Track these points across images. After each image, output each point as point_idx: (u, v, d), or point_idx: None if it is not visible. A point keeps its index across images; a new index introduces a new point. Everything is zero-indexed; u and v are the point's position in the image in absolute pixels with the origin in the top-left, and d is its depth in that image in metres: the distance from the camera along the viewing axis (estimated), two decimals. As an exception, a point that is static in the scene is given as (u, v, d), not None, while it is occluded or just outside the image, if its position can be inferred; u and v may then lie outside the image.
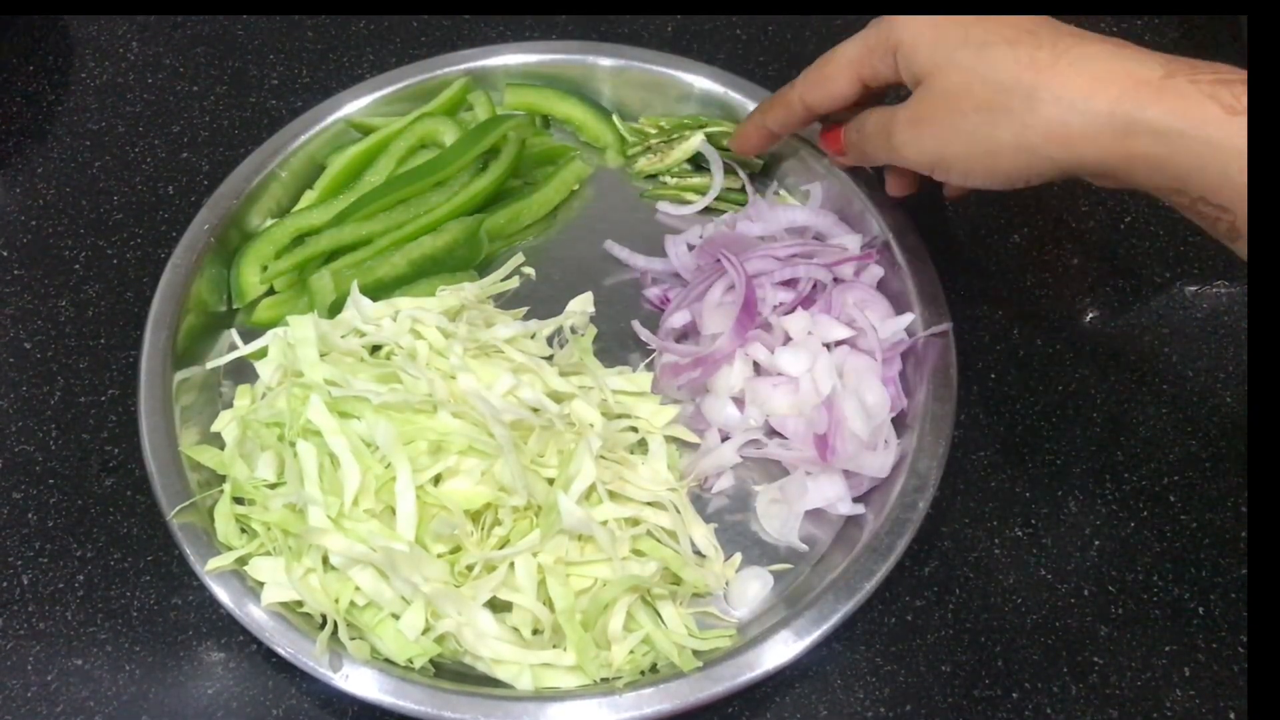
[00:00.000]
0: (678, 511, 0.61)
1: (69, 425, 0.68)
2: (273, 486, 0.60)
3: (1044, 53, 0.53)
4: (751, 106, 0.77)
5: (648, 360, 0.69)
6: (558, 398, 0.63)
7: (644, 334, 0.69)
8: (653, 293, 0.72)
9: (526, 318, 0.70)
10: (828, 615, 0.56)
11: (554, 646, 0.57)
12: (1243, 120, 0.49)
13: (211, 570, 0.57)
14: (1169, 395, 0.71)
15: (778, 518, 0.63)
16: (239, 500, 0.60)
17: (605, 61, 0.79)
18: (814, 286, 0.68)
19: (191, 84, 0.86)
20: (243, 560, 0.58)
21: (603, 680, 0.56)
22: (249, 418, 0.61)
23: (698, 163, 0.78)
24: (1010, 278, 0.76)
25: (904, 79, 0.60)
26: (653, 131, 0.78)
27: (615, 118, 0.80)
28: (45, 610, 0.62)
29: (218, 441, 0.64)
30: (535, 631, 0.58)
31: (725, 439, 0.65)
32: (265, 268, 0.72)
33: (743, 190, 0.77)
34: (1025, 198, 0.80)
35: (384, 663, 0.55)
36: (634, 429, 0.65)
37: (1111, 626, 0.62)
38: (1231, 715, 0.59)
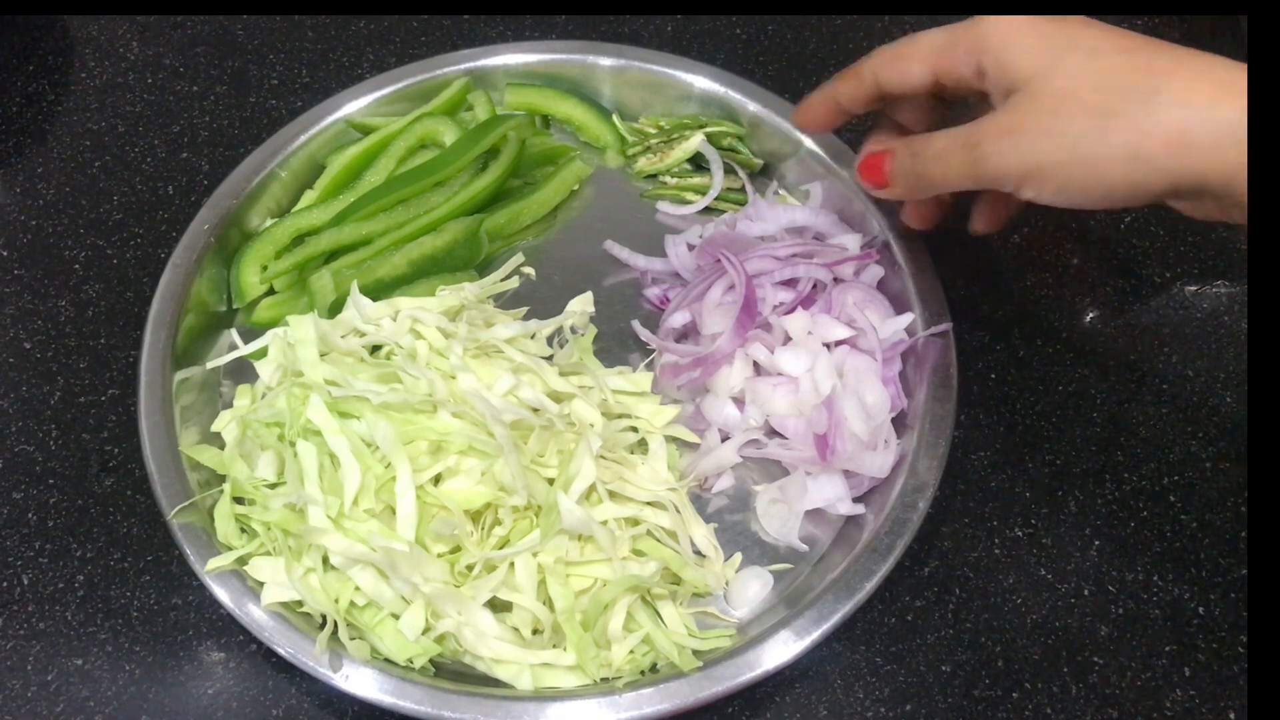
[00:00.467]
0: (678, 511, 0.61)
1: (69, 425, 0.68)
2: (273, 486, 0.60)
3: (1162, 59, 0.50)
4: (752, 107, 0.77)
5: (648, 360, 0.69)
6: (558, 398, 0.63)
7: (644, 334, 0.69)
8: (653, 293, 0.72)
9: (526, 318, 0.70)
10: (828, 615, 0.56)
11: (554, 646, 0.57)
12: None
13: (211, 570, 0.57)
14: (1169, 395, 0.71)
15: (778, 518, 0.63)
16: (239, 500, 0.60)
17: (605, 61, 0.79)
18: (814, 286, 0.68)
19: (191, 84, 0.86)
20: (243, 560, 0.58)
21: (603, 680, 0.56)
22: (249, 418, 0.61)
23: (698, 163, 0.78)
24: (1010, 278, 0.76)
25: (987, 87, 0.55)
26: (653, 131, 0.78)
27: (615, 118, 0.80)
28: (45, 610, 0.62)
29: (218, 441, 0.64)
30: (535, 631, 0.58)
31: (725, 439, 0.65)
32: (265, 268, 0.72)
33: (743, 190, 0.77)
34: (1025, 198, 0.80)
35: (384, 663, 0.55)
36: (634, 429, 0.65)
37: (1111, 626, 0.62)
38: (1231, 715, 0.59)
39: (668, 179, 0.78)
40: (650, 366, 0.68)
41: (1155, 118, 0.49)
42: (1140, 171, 0.50)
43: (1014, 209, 0.65)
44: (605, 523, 0.59)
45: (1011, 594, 0.63)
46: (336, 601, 0.56)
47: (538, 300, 0.71)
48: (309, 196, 0.76)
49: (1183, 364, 0.72)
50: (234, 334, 0.69)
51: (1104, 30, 0.53)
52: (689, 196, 0.77)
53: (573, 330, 0.69)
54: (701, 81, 0.78)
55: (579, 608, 0.57)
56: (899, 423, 0.65)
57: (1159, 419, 0.69)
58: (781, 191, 0.77)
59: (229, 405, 0.66)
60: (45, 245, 0.77)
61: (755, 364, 0.66)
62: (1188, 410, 0.70)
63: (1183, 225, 0.79)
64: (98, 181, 0.80)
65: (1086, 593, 0.63)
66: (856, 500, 0.63)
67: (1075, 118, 0.51)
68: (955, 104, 0.62)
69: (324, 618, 0.56)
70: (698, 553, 0.62)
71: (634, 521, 0.60)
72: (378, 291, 0.69)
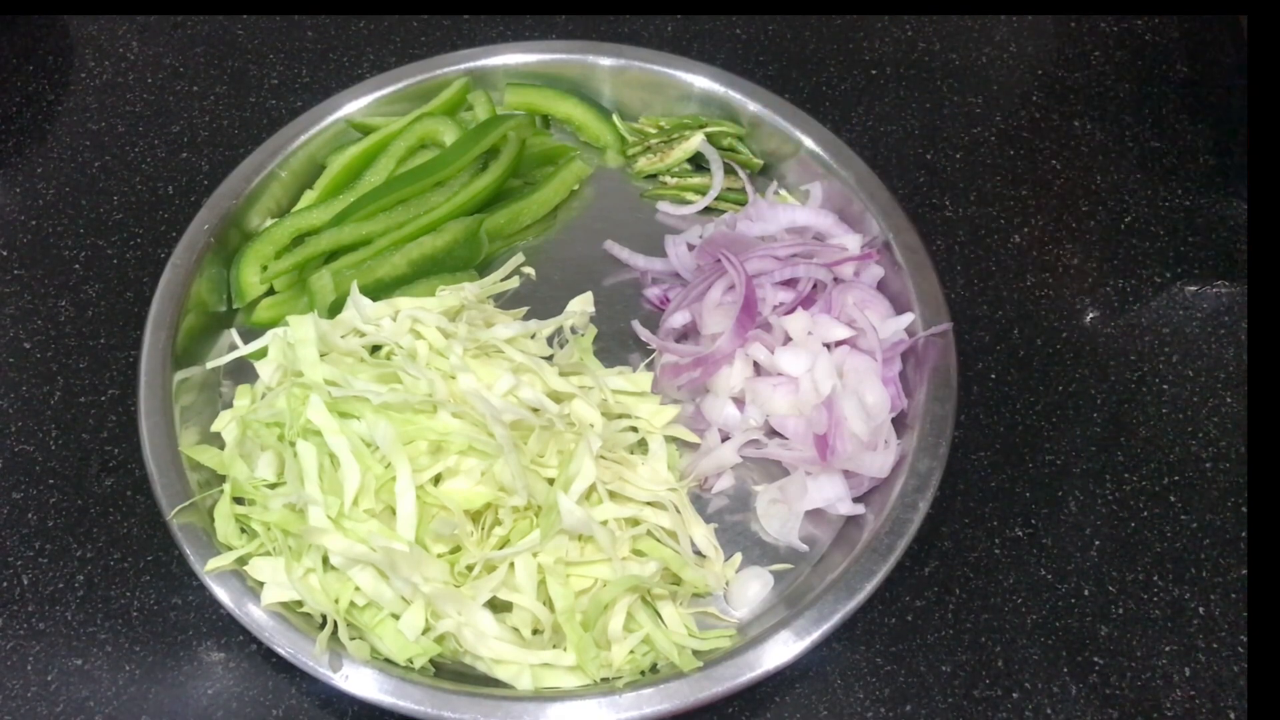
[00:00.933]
0: (678, 511, 0.61)
1: (69, 425, 0.68)
2: (273, 486, 0.60)
3: None
4: (752, 106, 0.77)
5: (648, 360, 0.69)
6: (558, 398, 0.63)
7: (644, 334, 0.69)
8: (653, 293, 0.72)
9: (526, 318, 0.70)
10: (828, 615, 0.56)
11: (554, 646, 0.57)
12: None
13: (211, 570, 0.57)
14: (1169, 395, 0.71)
15: (778, 518, 0.63)
16: (239, 500, 0.60)
17: (605, 61, 0.79)
18: (814, 286, 0.68)
19: (191, 84, 0.86)
20: (243, 560, 0.58)
21: (603, 680, 0.56)
22: (249, 418, 0.61)
23: (698, 163, 0.78)
24: (1010, 278, 0.76)
25: None
26: (653, 131, 0.78)
27: (615, 118, 0.80)
28: (45, 610, 0.62)
29: (218, 441, 0.64)
30: (535, 631, 0.58)
31: (725, 439, 0.65)
32: (265, 268, 0.72)
33: (743, 190, 0.77)
34: (1025, 198, 0.80)
35: (384, 663, 0.55)
36: (634, 429, 0.65)
37: (1111, 626, 0.62)
38: (1231, 715, 0.59)
39: (668, 179, 0.78)
40: (650, 366, 0.68)
41: None
42: None
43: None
44: (605, 523, 0.59)
45: (1011, 594, 0.63)
46: (336, 601, 0.56)
47: (538, 300, 0.71)
48: (309, 196, 0.76)
49: (1183, 364, 0.72)
50: (234, 334, 0.69)
51: None
52: (689, 196, 0.77)
53: (573, 330, 0.69)
54: (701, 81, 0.78)
55: (579, 608, 0.57)
56: (899, 423, 0.65)
57: (1159, 419, 0.69)
58: (781, 191, 0.77)
59: (229, 405, 0.66)
60: (45, 245, 0.77)
61: (755, 364, 0.66)
62: (1188, 410, 0.70)
63: (1183, 225, 0.79)
64: (98, 181, 0.80)
65: (1086, 593, 0.63)
66: (856, 500, 0.63)
67: None
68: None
69: (324, 618, 0.56)
70: (698, 553, 0.61)
71: (634, 521, 0.60)
72: (378, 291, 0.69)
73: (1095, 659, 0.61)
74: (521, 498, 0.57)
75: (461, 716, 0.53)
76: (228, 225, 0.71)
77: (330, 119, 0.76)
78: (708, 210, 0.77)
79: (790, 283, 0.69)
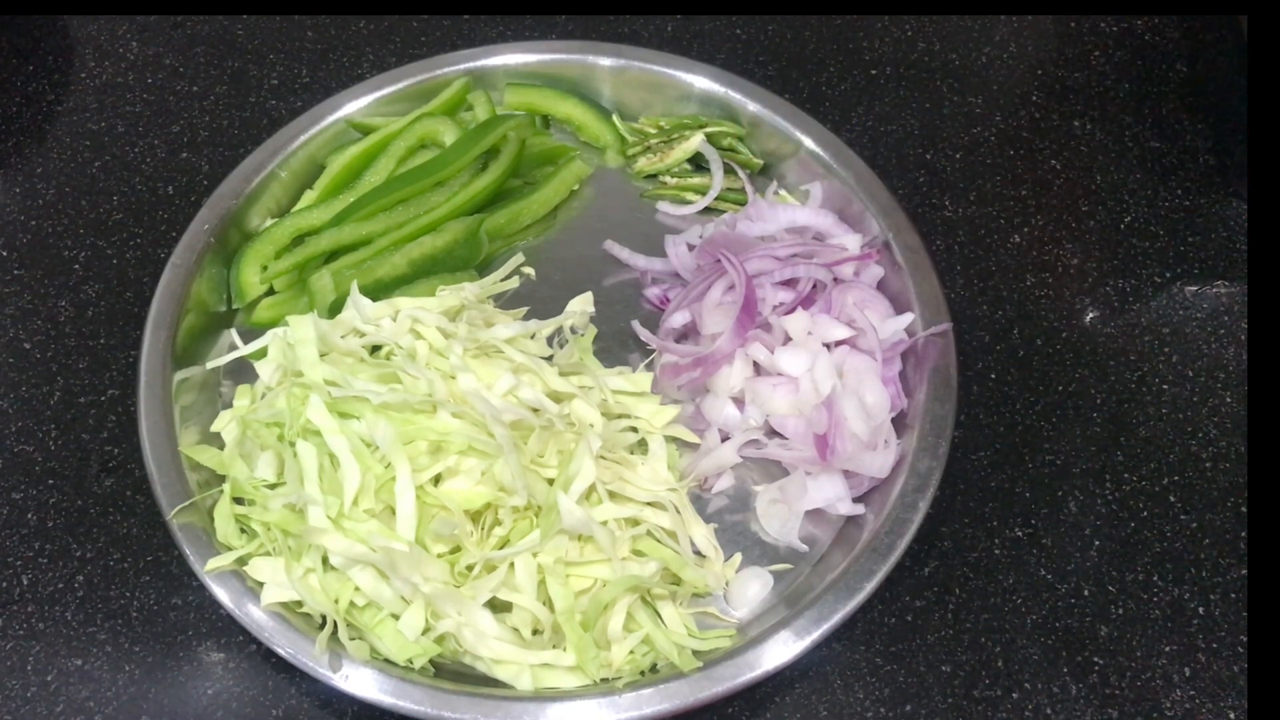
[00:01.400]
0: (678, 511, 0.61)
1: (69, 425, 0.68)
2: (272, 486, 0.60)
3: None
4: (752, 107, 0.77)
5: (648, 360, 0.69)
6: (558, 398, 0.63)
7: (644, 334, 0.69)
8: (653, 293, 0.72)
9: (526, 318, 0.70)
10: (828, 615, 0.56)
11: (554, 647, 0.57)
12: None
13: (211, 570, 0.57)
14: (1169, 395, 0.71)
15: (778, 518, 0.63)
16: (239, 500, 0.60)
17: (605, 61, 0.79)
18: (814, 286, 0.68)
19: (191, 84, 0.86)
20: (242, 560, 0.58)
21: (603, 680, 0.56)
22: (249, 418, 0.61)
23: (698, 163, 0.78)
24: (1010, 278, 0.76)
25: None
26: (653, 131, 0.78)
27: (615, 118, 0.80)
28: (45, 610, 0.62)
29: (218, 441, 0.64)
30: (535, 632, 0.58)
31: (725, 439, 0.65)
32: (265, 268, 0.71)
33: (743, 190, 0.77)
34: (1025, 198, 0.80)
35: (384, 663, 0.55)
36: (634, 429, 0.65)
37: (1111, 626, 0.62)
38: (1231, 715, 0.59)
39: (668, 179, 0.78)
40: (650, 366, 0.68)
41: None
42: None
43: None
44: (605, 523, 0.59)
45: (1011, 594, 0.63)
46: (336, 602, 0.56)
47: (538, 300, 0.71)
48: (309, 196, 0.76)
49: (1183, 364, 0.72)
50: (234, 334, 0.69)
51: None
52: (689, 196, 0.77)
53: (573, 330, 0.69)
54: (701, 81, 0.78)
55: (579, 608, 0.57)
56: (899, 423, 0.65)
57: (1159, 419, 0.69)
58: (781, 191, 0.77)
59: (229, 405, 0.66)
60: (45, 245, 0.77)
61: (755, 364, 0.66)
62: (1188, 410, 0.70)
63: (1183, 225, 0.79)
64: (98, 181, 0.80)
65: (1086, 593, 0.63)
66: (856, 500, 0.63)
67: None
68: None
69: (324, 618, 0.56)
70: (698, 553, 0.61)
71: (634, 522, 0.60)
72: (378, 291, 0.69)
73: (1095, 659, 0.61)
74: (521, 498, 0.57)
75: (461, 716, 0.53)
76: (228, 225, 0.71)
77: (330, 119, 0.76)
78: (708, 210, 0.77)
79: (790, 283, 0.69)
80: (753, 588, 0.61)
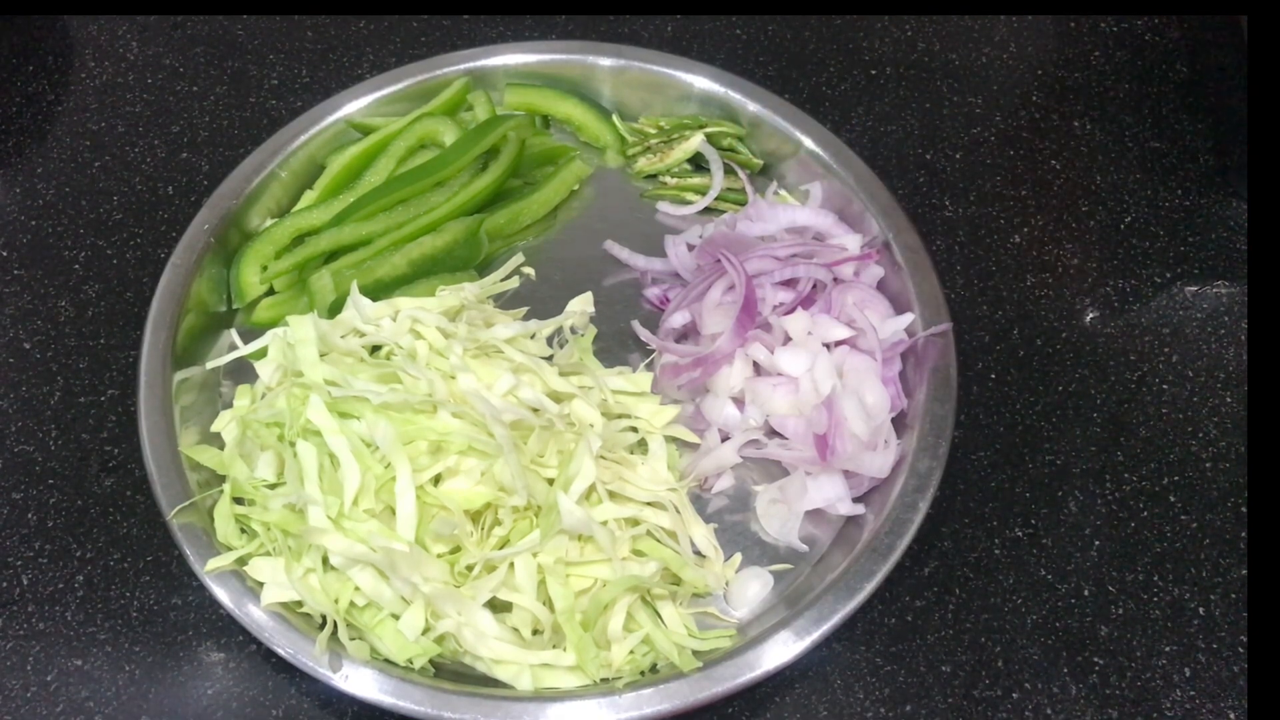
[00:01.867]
0: (678, 511, 0.61)
1: (69, 425, 0.68)
2: (272, 486, 0.60)
3: None
4: (752, 107, 0.77)
5: (648, 360, 0.69)
6: (558, 398, 0.63)
7: (644, 334, 0.69)
8: (653, 293, 0.72)
9: (526, 318, 0.70)
10: (828, 615, 0.56)
11: (554, 646, 0.57)
12: None
13: (211, 570, 0.57)
14: (1169, 395, 0.71)
15: (778, 518, 0.63)
16: (239, 500, 0.60)
17: (605, 61, 0.79)
18: (814, 286, 0.68)
19: (191, 84, 0.86)
20: (242, 560, 0.58)
21: (603, 680, 0.56)
22: (249, 418, 0.61)
23: (698, 163, 0.78)
24: (1010, 278, 0.76)
25: None
26: (653, 131, 0.78)
27: (615, 118, 0.80)
28: (45, 610, 0.62)
29: (218, 441, 0.64)
30: (535, 631, 0.58)
31: (725, 439, 0.65)
32: (265, 268, 0.72)
33: (743, 190, 0.77)
34: (1025, 198, 0.80)
35: (384, 663, 0.55)
36: (634, 429, 0.65)
37: (1111, 626, 0.62)
38: (1231, 715, 0.59)
39: (668, 179, 0.78)
40: (650, 366, 0.68)
41: None
42: None
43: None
44: (605, 523, 0.59)
45: (1011, 594, 0.63)
46: (336, 602, 0.56)
47: (538, 300, 0.71)
48: (309, 196, 0.76)
49: (1183, 364, 0.72)
50: (234, 334, 0.69)
51: None
52: (689, 196, 0.77)
53: (573, 330, 0.69)
54: (701, 81, 0.78)
55: (579, 608, 0.57)
56: (899, 423, 0.65)
57: (1159, 419, 0.69)
58: (781, 191, 0.77)
59: (229, 405, 0.66)
60: (45, 245, 0.77)
61: (755, 364, 0.66)
62: (1188, 410, 0.70)
63: (1183, 225, 0.79)
64: (98, 181, 0.80)
65: (1086, 593, 0.63)
66: (856, 500, 0.63)
67: None
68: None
69: (324, 618, 0.56)
70: (698, 553, 0.61)
71: (634, 522, 0.60)
72: (378, 291, 0.69)
73: (1095, 659, 0.61)
74: (521, 498, 0.57)
75: (461, 716, 0.53)
76: (228, 225, 0.71)
77: (330, 119, 0.76)
78: (708, 210, 0.77)
79: (790, 283, 0.69)
80: (753, 588, 0.61)
